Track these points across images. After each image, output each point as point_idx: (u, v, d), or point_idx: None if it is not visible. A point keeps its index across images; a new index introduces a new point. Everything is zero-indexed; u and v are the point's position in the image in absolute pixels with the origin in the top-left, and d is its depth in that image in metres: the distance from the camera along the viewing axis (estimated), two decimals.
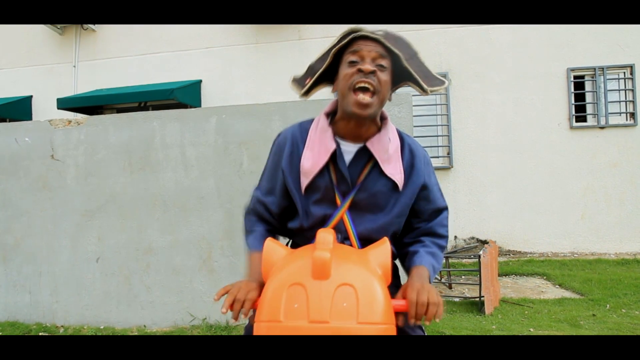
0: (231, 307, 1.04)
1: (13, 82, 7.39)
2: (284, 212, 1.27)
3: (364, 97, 1.07)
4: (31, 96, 7.30)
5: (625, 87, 5.93)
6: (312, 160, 1.16)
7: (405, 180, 1.18)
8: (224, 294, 1.07)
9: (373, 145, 1.15)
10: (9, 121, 5.37)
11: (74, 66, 7.20)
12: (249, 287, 1.07)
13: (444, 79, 1.18)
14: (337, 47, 1.13)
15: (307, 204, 1.20)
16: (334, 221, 1.16)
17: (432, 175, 1.24)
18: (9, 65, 7.46)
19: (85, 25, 7.10)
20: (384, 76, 1.10)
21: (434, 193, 1.24)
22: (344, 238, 1.17)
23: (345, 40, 1.12)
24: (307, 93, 1.24)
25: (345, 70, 1.11)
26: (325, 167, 1.16)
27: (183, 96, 6.25)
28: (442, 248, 1.25)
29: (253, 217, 1.31)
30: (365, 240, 1.16)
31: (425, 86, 1.14)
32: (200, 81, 6.79)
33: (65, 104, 6.39)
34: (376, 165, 1.16)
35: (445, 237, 1.26)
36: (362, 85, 1.07)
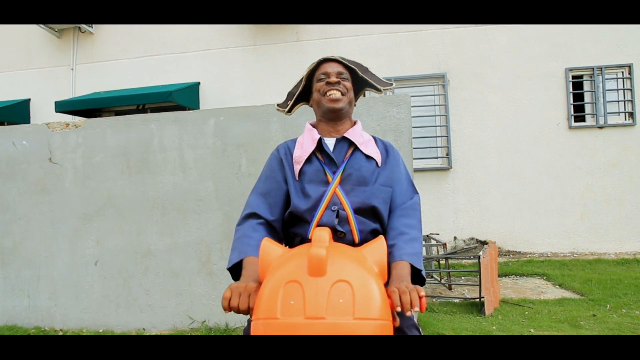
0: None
1: (11, 85, 7.39)
2: (278, 214, 1.36)
3: (334, 93, 1.38)
4: (29, 99, 7.29)
5: (623, 86, 5.93)
6: (301, 151, 1.39)
7: (383, 159, 1.40)
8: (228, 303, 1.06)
9: (349, 134, 1.39)
10: (7, 124, 5.35)
11: (72, 69, 7.20)
12: (248, 290, 1.06)
13: (391, 82, 1.53)
14: (308, 70, 1.46)
15: (302, 186, 1.34)
16: (328, 195, 1.29)
17: (402, 166, 1.44)
18: (6, 69, 7.46)
19: (82, 28, 7.09)
20: (347, 83, 1.42)
21: (403, 178, 1.41)
22: (339, 209, 1.28)
23: (314, 65, 1.45)
24: (289, 111, 1.57)
25: (317, 85, 1.43)
26: (313, 155, 1.37)
27: (181, 98, 6.24)
28: (417, 229, 1.32)
29: (251, 220, 1.34)
30: (358, 210, 1.29)
31: (379, 87, 1.49)
32: (199, 83, 6.79)
33: (63, 107, 6.38)
34: (356, 149, 1.38)
35: (417, 217, 1.35)
36: (331, 92, 1.38)
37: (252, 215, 1.33)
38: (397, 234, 1.26)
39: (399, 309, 0.98)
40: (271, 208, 1.34)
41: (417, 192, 1.41)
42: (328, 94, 1.38)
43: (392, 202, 1.35)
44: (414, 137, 5.53)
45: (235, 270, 1.27)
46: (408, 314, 0.99)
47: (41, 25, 7.02)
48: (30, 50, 7.39)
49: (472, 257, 4.68)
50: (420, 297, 0.99)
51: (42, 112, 7.16)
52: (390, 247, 1.23)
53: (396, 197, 1.36)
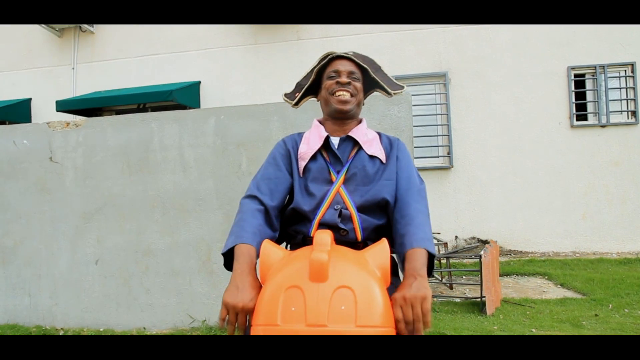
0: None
1: (12, 84, 7.39)
2: (278, 202, 1.33)
3: (343, 94, 1.36)
4: (30, 99, 7.30)
5: (626, 85, 5.91)
6: (307, 147, 1.38)
7: (387, 155, 1.39)
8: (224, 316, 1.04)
9: (354, 132, 1.38)
10: (8, 124, 5.35)
11: (73, 68, 7.20)
12: (245, 311, 1.01)
13: (403, 85, 1.48)
14: (318, 66, 1.42)
15: (305, 183, 1.33)
16: (331, 194, 1.28)
17: (408, 157, 1.40)
18: (7, 68, 7.46)
19: (83, 28, 7.09)
20: (357, 84, 1.39)
21: (410, 167, 1.38)
22: (342, 208, 1.27)
23: (325, 60, 1.41)
24: (297, 104, 1.54)
25: (326, 82, 1.40)
26: (319, 152, 1.36)
27: (182, 97, 6.24)
28: (426, 214, 1.27)
29: (251, 203, 1.29)
30: (362, 208, 1.28)
31: (389, 90, 1.45)
32: (199, 82, 6.79)
33: (64, 106, 6.39)
34: (360, 149, 1.37)
35: (425, 203, 1.31)
36: (341, 93, 1.35)
37: (253, 198, 1.30)
38: (407, 222, 1.21)
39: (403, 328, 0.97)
40: (272, 193, 1.31)
41: (423, 182, 1.38)
42: (337, 94, 1.36)
43: (397, 188, 1.31)
44: (414, 136, 5.52)
45: (230, 256, 1.21)
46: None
47: (42, 25, 7.02)
48: (31, 49, 7.40)
49: (473, 257, 4.67)
50: (425, 321, 0.98)
51: (43, 111, 7.17)
52: (401, 238, 1.20)
53: (402, 182, 1.32)
